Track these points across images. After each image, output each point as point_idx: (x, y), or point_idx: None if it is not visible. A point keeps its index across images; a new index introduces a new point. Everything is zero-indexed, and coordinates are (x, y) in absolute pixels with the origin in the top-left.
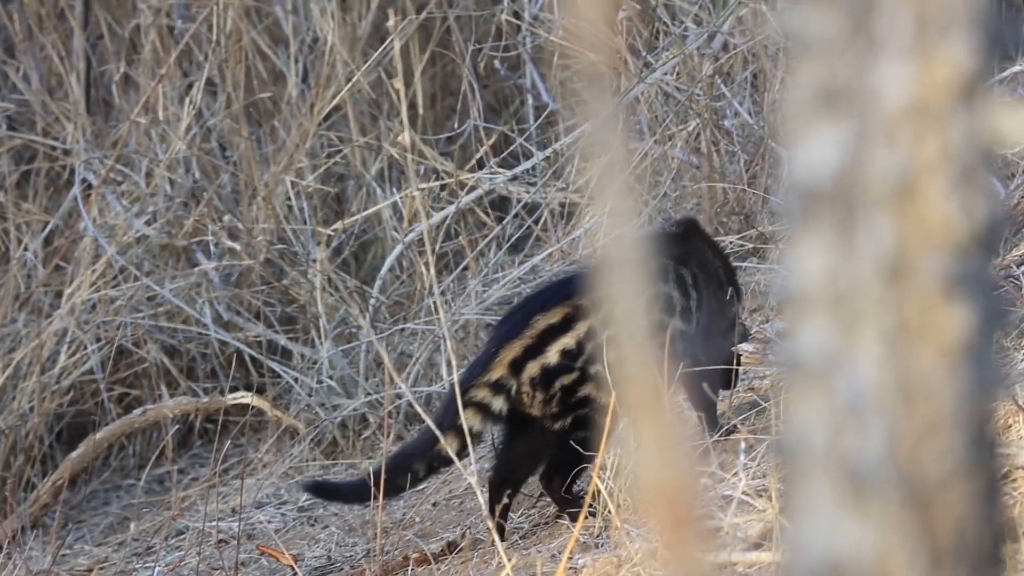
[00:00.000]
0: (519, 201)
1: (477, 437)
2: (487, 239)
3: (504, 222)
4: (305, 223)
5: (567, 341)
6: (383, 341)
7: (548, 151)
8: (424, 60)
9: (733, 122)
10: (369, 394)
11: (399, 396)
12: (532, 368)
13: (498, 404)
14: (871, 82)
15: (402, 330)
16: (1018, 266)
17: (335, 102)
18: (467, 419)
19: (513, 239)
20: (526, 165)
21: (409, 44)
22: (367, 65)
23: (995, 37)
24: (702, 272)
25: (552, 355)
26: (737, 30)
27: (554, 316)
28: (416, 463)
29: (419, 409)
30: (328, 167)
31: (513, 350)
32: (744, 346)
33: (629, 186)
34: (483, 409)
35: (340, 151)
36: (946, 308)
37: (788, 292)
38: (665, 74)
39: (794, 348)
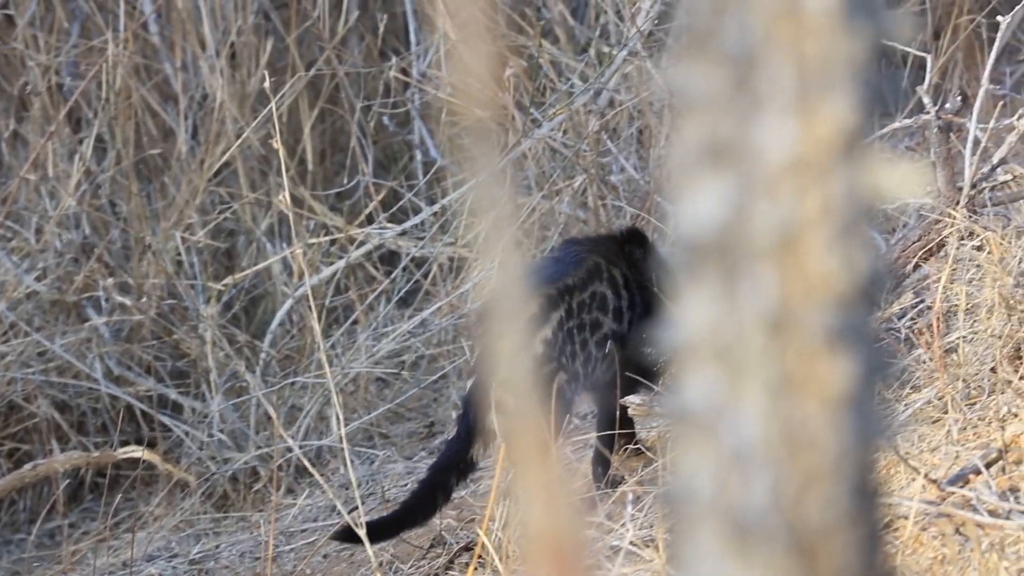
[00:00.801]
0: (408, 255)
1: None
2: (376, 293)
3: (393, 276)
4: (195, 278)
5: (546, 332)
6: (273, 395)
7: (436, 206)
8: (313, 116)
9: (619, 177)
10: (260, 447)
11: (289, 449)
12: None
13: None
14: (754, 137)
15: (292, 383)
16: (899, 319)
17: (224, 158)
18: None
19: (402, 293)
20: (415, 220)
21: (298, 100)
22: (256, 121)
23: (875, 93)
24: (636, 275)
25: (537, 346)
26: (623, 86)
27: (532, 306)
28: (451, 476)
29: (306, 463)
30: (218, 222)
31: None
32: (631, 398)
33: (516, 241)
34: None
35: (230, 206)
36: (829, 360)
37: (674, 344)
38: (552, 130)
39: (680, 399)
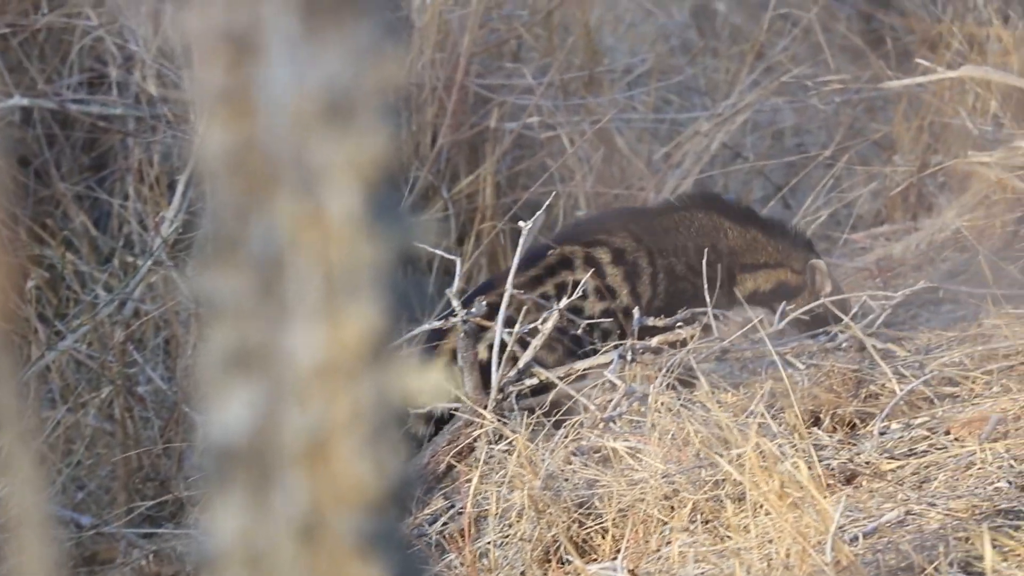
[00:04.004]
0: None
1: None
2: None
3: None
4: None
5: (490, 337)
6: None
7: None
8: None
9: (147, 388)
10: None
11: None
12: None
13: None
14: (283, 343)
15: None
16: (431, 524)
17: None
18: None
19: None
20: None
21: None
22: None
23: (401, 298)
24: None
25: (481, 351)
26: (148, 296)
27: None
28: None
29: None
30: None
31: (448, 347)
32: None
33: (41, 455)
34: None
35: None
36: (360, 566)
37: (206, 555)
38: (76, 342)
39: None
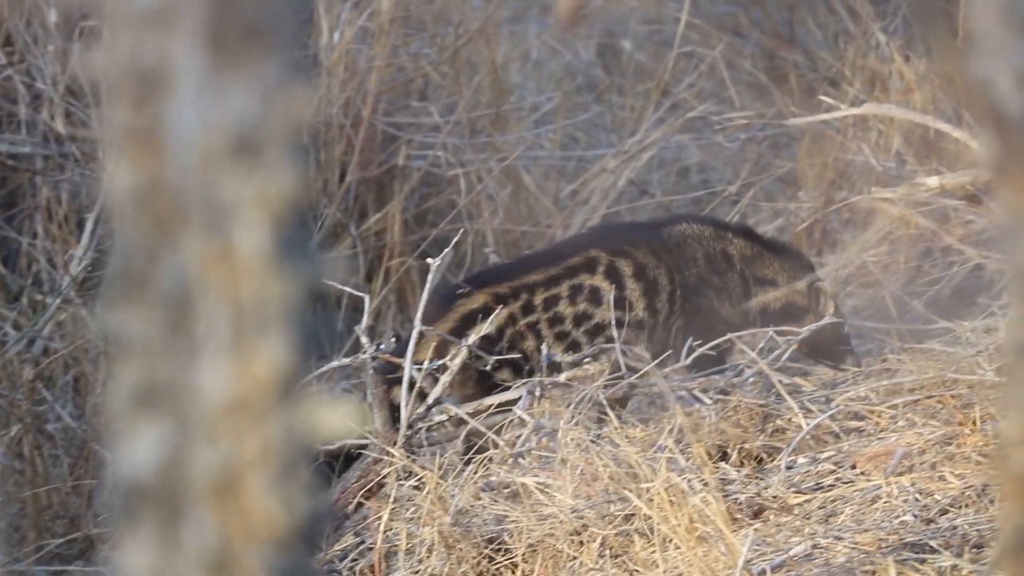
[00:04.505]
0: None
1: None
2: None
3: None
4: None
5: (486, 328)
6: None
7: None
8: None
9: (56, 425)
10: None
11: None
12: (453, 351)
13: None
14: (192, 380)
15: None
16: (341, 560)
17: None
18: (397, 396)
19: None
20: None
21: None
22: None
23: (310, 334)
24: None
25: (471, 340)
26: (57, 334)
27: (475, 302)
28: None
29: None
30: None
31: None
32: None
33: None
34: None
35: None
36: None
37: None
38: None
39: None
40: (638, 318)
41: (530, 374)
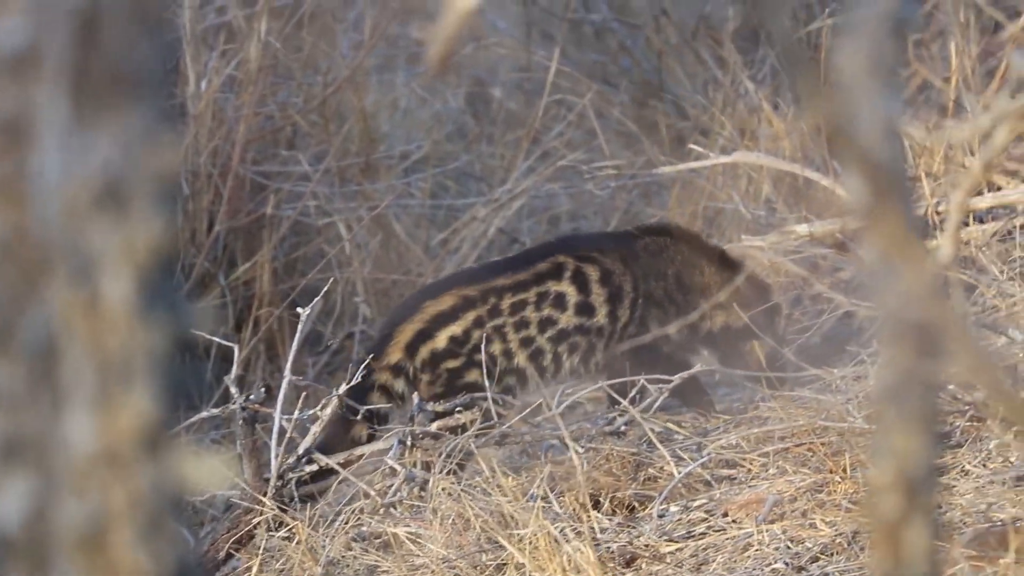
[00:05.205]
0: None
1: (384, 420)
2: None
3: None
4: None
5: (455, 329)
6: None
7: None
8: None
9: None
10: None
11: None
12: (423, 351)
13: (400, 386)
14: (58, 432)
15: None
16: None
17: None
18: (374, 401)
19: None
20: None
21: None
22: None
23: (178, 385)
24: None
25: (441, 340)
26: None
27: (444, 303)
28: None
29: None
30: None
31: (406, 334)
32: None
33: None
34: (387, 392)
35: None
36: None
37: None
38: None
39: None
40: (599, 324)
41: (501, 377)
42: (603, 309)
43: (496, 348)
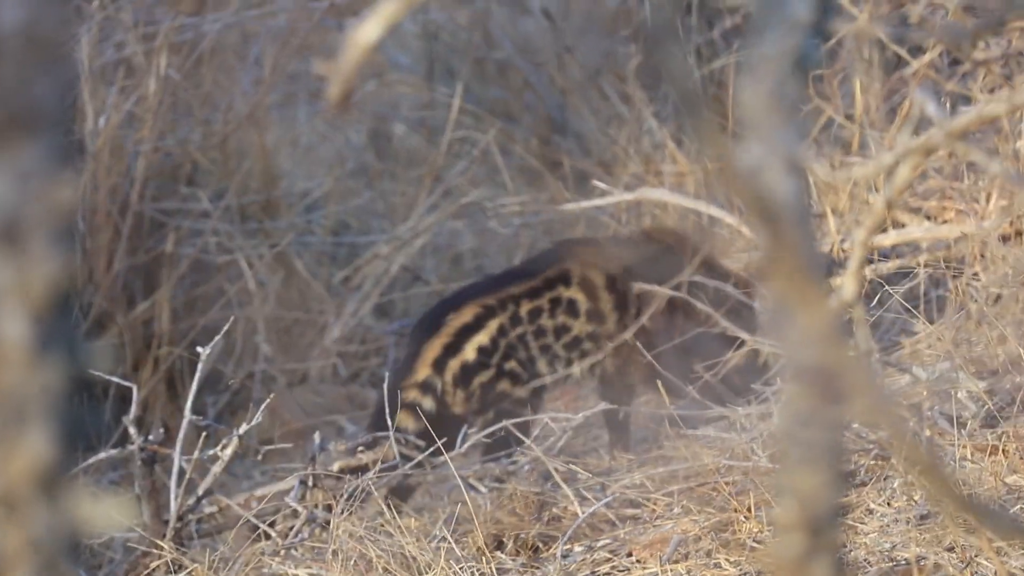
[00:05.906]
0: None
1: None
2: None
3: None
4: None
5: (481, 339)
6: None
7: None
8: None
9: None
10: None
11: None
12: (453, 365)
13: (428, 403)
14: None
15: None
16: None
17: None
18: (400, 421)
19: None
20: None
21: None
22: None
23: (75, 426)
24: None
25: (469, 352)
26: None
27: (466, 315)
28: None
29: None
30: None
31: (433, 349)
32: None
33: None
34: (414, 411)
35: None
36: None
37: None
38: None
39: None
40: (610, 331)
41: (527, 384)
42: (612, 316)
43: (522, 356)
